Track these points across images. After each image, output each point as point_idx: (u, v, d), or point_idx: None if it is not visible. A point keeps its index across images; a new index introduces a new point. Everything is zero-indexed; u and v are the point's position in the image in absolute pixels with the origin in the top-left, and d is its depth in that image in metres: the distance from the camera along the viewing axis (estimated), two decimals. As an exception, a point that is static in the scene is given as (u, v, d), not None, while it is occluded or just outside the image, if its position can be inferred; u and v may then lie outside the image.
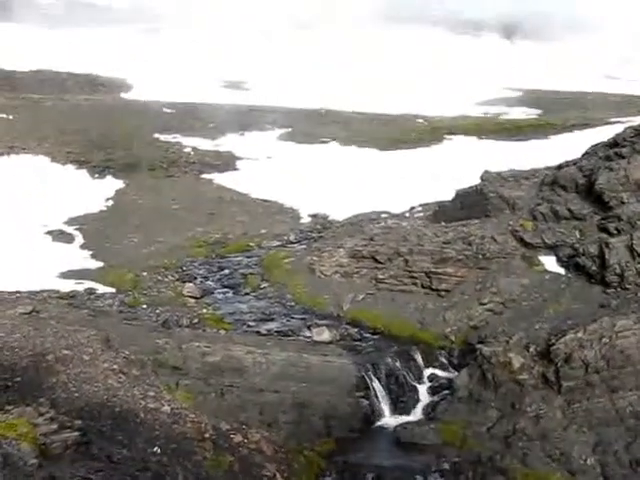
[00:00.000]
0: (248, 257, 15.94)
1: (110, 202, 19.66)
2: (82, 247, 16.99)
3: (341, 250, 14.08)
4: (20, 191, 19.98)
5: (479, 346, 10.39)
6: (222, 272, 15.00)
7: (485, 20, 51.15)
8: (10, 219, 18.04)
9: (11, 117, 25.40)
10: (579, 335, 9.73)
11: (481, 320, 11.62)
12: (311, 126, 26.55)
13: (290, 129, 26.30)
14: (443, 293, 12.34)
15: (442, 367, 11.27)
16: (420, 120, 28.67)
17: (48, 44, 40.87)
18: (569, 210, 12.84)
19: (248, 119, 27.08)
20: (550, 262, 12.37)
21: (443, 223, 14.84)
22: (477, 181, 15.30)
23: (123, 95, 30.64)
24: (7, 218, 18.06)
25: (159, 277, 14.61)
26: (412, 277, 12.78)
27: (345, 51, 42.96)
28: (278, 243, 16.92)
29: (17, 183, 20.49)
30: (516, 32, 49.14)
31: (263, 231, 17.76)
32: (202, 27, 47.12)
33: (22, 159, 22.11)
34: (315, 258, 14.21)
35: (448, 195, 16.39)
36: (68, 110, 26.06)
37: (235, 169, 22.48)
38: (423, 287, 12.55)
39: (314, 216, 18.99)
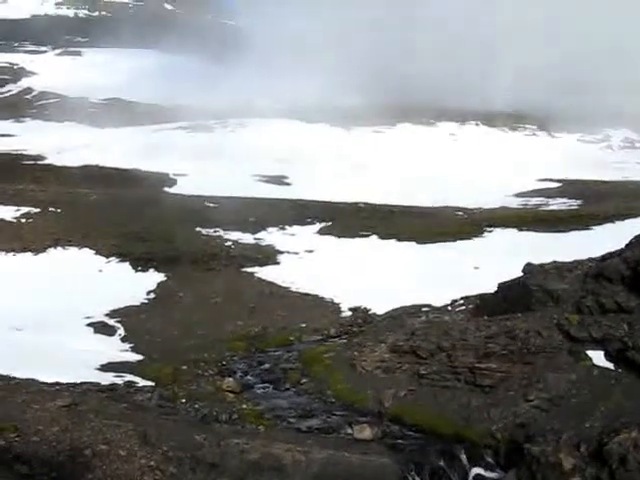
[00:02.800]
0: (288, 351, 15.80)
1: (152, 295, 19.81)
2: (123, 339, 17.06)
3: (382, 345, 13.87)
4: (64, 282, 20.34)
5: (527, 445, 9.96)
6: (262, 366, 14.86)
7: (522, 111, 51.75)
8: (53, 310, 18.29)
9: (59, 210, 26.12)
10: (633, 435, 9.28)
11: (528, 417, 11.21)
12: (351, 220, 26.73)
13: (330, 223, 26.49)
14: (487, 389, 11.99)
15: (488, 467, 10.80)
16: (459, 213, 28.70)
17: (95, 141, 42.39)
18: (616, 303, 12.51)
19: (289, 213, 27.40)
20: (598, 357, 11.95)
21: (486, 317, 14.57)
22: (519, 273, 15.10)
23: (167, 189, 31.38)
24: (50, 309, 18.32)
25: (199, 371, 14.52)
26: (455, 372, 12.47)
27: (382, 145, 43.69)
28: (318, 337, 16.78)
29: (62, 275, 20.90)
30: (553, 123, 49.54)
31: (303, 325, 17.65)
32: (241, 124, 48.46)
33: (67, 251, 22.61)
34: (356, 353, 14.01)
35: (490, 288, 16.16)
36: (113, 204, 26.73)
37: (276, 263, 22.57)
38: (467, 383, 12.22)
39: (354, 310, 18.85)
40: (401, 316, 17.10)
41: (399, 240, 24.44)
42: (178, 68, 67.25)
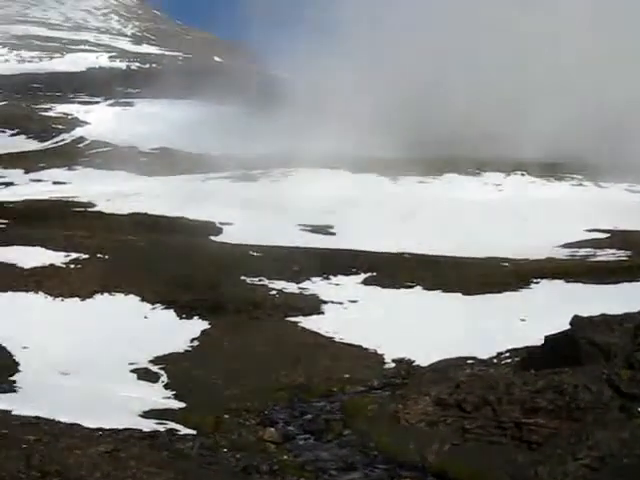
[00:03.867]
0: (331, 402, 15.65)
1: (196, 342, 19.88)
2: (166, 387, 17.09)
3: (426, 397, 13.67)
4: (110, 328, 20.58)
5: (576, 506, 9.69)
6: (304, 417, 14.73)
7: (567, 161, 51.30)
8: (98, 355, 18.48)
9: (106, 257, 26.56)
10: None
11: (577, 477, 10.87)
12: (396, 270, 26.59)
13: (375, 273, 26.40)
14: (535, 445, 11.68)
15: (535, 527, 10.51)
16: (505, 263, 28.36)
17: (144, 189, 43.18)
18: (668, 359, 12.21)
19: (333, 263, 27.39)
20: (650, 414, 11.61)
21: (532, 371, 14.32)
22: (567, 326, 14.81)
23: (212, 238, 31.71)
24: (96, 354, 18.51)
25: (241, 420, 14.47)
26: (501, 427, 12.21)
27: (428, 195, 43.65)
28: (361, 389, 16.60)
29: (108, 320, 21.16)
30: (600, 172, 48.95)
31: (346, 376, 17.50)
32: (285, 174, 48.93)
33: (114, 298, 22.92)
34: (399, 405, 13.83)
35: (537, 341, 15.86)
36: (160, 251, 27.08)
37: (320, 312, 22.51)
38: (513, 438, 11.94)
39: (398, 361, 18.63)
40: (446, 368, 16.85)
41: (444, 291, 24.23)
42: (224, 118, 68.51)
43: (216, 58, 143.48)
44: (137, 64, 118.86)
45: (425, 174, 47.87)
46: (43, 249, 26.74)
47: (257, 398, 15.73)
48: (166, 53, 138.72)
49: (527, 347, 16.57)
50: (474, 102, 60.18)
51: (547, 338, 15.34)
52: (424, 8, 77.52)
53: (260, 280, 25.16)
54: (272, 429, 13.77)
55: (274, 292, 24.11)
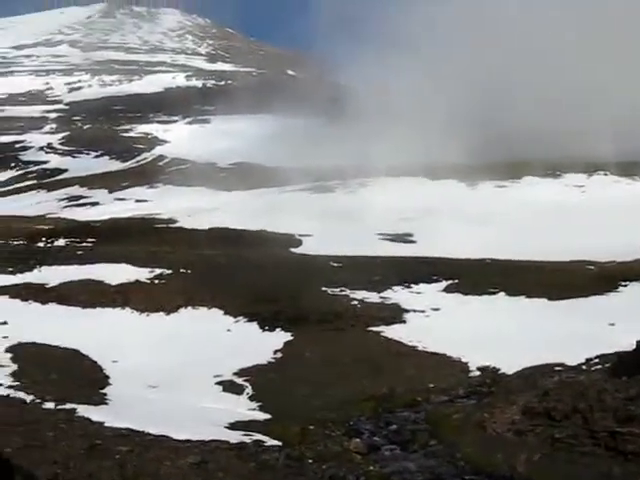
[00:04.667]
0: (416, 412, 15.46)
1: (279, 354, 20.00)
2: (251, 398, 17.26)
3: (513, 406, 13.35)
4: (194, 341, 20.94)
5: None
6: (389, 427, 14.59)
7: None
8: (184, 368, 18.82)
9: (189, 271, 27.10)
10: None
11: (677, 488, 10.42)
12: (478, 277, 26.18)
13: (456, 280, 26.04)
14: (630, 456, 11.25)
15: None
16: (591, 267, 27.54)
17: (223, 204, 43.82)
18: None
19: (414, 271, 27.17)
20: None
21: (624, 377, 13.82)
22: (660, 331, 14.27)
23: (292, 249, 31.91)
24: (181, 367, 18.85)
25: (326, 431, 14.45)
26: (593, 437, 11.79)
27: (507, 199, 42.84)
28: (446, 398, 16.35)
29: (192, 334, 21.52)
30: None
31: (431, 385, 17.28)
32: (362, 184, 48.80)
33: (198, 311, 23.33)
34: (486, 414, 13.55)
35: (628, 346, 15.30)
36: (241, 265, 27.44)
37: (402, 321, 22.33)
38: (607, 449, 11.50)
39: (483, 369, 18.27)
40: (533, 376, 16.43)
41: (528, 297, 23.69)
42: (298, 131, 68.98)
43: (289, 71, 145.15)
44: (212, 82, 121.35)
45: (503, 178, 46.96)
46: (128, 265, 27.51)
47: (341, 408, 15.68)
48: (240, 69, 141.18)
49: (617, 352, 15.99)
50: (544, 102, 58.87)
51: (639, 343, 14.80)
52: (490, 10, 76.54)
53: (341, 290, 25.17)
54: (358, 440, 13.69)
55: (355, 302, 24.08)
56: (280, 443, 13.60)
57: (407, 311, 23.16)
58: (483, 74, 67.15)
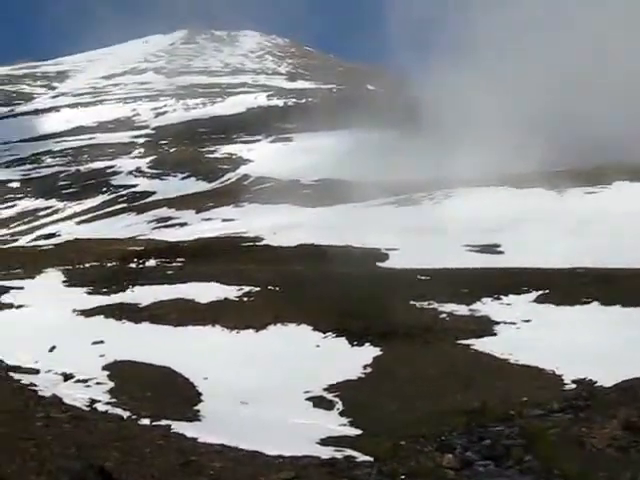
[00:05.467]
0: (509, 427, 15.03)
1: (368, 369, 19.93)
2: (341, 414, 17.23)
3: (613, 420, 12.83)
4: (284, 358, 21.11)
5: None
6: (482, 442, 14.21)
7: None
8: (274, 384, 18.97)
9: (277, 288, 27.36)
10: None
11: None
12: (569, 286, 25.44)
13: (547, 290, 25.37)
14: None
15: None
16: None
17: (308, 220, 44.13)
18: None
19: (503, 282, 26.63)
20: None
21: None
22: None
23: (379, 264, 31.80)
24: (272, 383, 19.01)
25: (417, 446, 14.25)
26: (701, 452, 11.24)
27: (597, 206, 41.53)
28: (540, 412, 15.84)
29: (282, 350, 21.72)
30: None
31: (524, 399, 16.82)
32: (447, 195, 48.28)
33: (286, 328, 23.49)
34: (584, 429, 13.05)
35: None
36: (328, 280, 27.52)
37: (492, 334, 21.90)
38: None
39: (579, 382, 17.67)
40: (632, 388, 15.79)
41: (624, 306, 22.84)
42: (380, 144, 69.06)
43: (368, 86, 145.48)
44: (293, 100, 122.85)
45: (591, 184, 45.56)
46: (217, 284, 28.00)
47: (432, 423, 15.45)
48: (320, 86, 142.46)
49: None
50: (622, 105, 57.00)
51: None
52: (564, 12, 75.09)
53: (429, 304, 24.90)
54: (450, 455, 13.41)
55: (444, 315, 23.78)
56: (372, 459, 13.52)
57: (497, 323, 22.72)
58: (559, 79, 65.78)
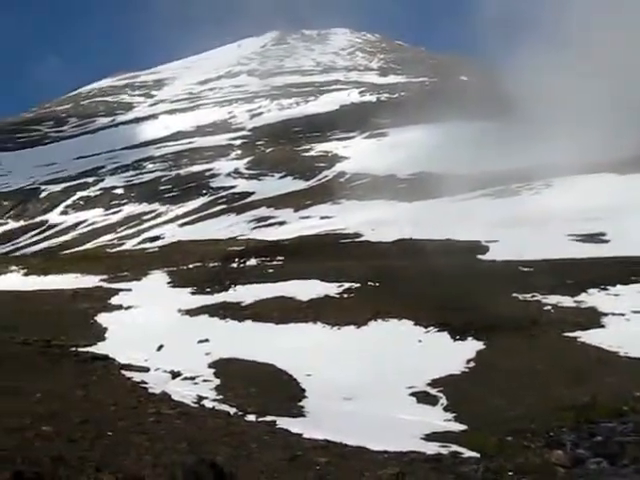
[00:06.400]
0: (622, 423, 14.50)
1: (472, 363, 19.64)
2: (445, 409, 17.07)
3: None
4: (386, 353, 21.07)
5: None
6: (594, 439, 13.79)
7: None
8: (377, 380, 18.97)
9: (377, 284, 27.35)
10: None
11: None
12: (684, 275, 24.35)
13: (658, 279, 24.36)
14: None
15: None
16: None
17: (405, 215, 43.89)
18: None
19: (610, 272, 25.69)
20: None
21: None
22: None
23: (479, 257, 31.28)
24: (374, 379, 19.02)
25: (525, 442, 13.96)
26: None
27: None
28: (656, 407, 15.29)
29: (384, 346, 21.69)
30: None
31: (637, 394, 16.20)
32: (547, 184, 46.99)
33: (388, 323, 23.44)
34: None
35: None
36: (428, 274, 27.29)
37: (600, 326, 21.15)
38: None
39: (695, 375, 16.92)
40: None
41: None
42: (475, 136, 67.87)
43: (462, 77, 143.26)
44: (386, 95, 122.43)
45: None
46: (318, 281, 28.24)
47: (540, 418, 15.10)
48: (413, 80, 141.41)
49: None
50: None
51: None
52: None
53: (533, 296, 24.31)
54: (560, 452, 13.05)
55: (549, 307, 23.17)
56: (478, 455, 13.34)
57: (605, 315, 21.93)
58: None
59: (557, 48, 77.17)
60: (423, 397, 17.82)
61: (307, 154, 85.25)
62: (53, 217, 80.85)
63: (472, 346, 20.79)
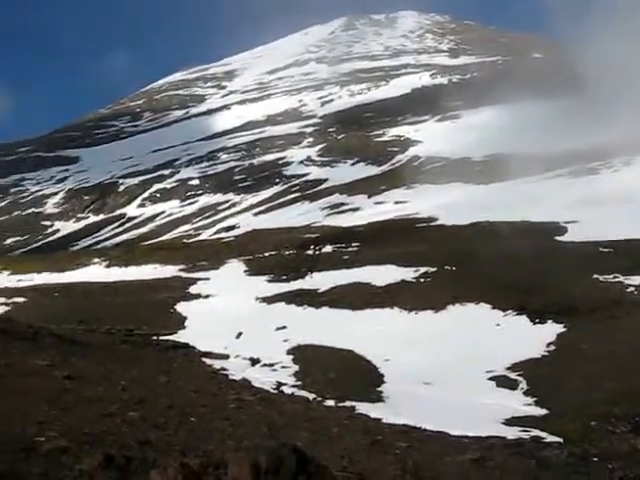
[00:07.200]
0: None
1: (552, 347, 19.30)
2: (526, 393, 16.84)
3: None
4: (464, 338, 20.91)
5: None
6: (681, 424, 13.43)
7: None
8: (455, 364, 18.86)
9: (453, 268, 27.11)
10: None
11: None
12: None
13: None
14: None
15: None
16: None
17: (481, 198, 43.27)
18: None
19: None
20: None
21: None
22: None
23: (557, 238, 30.58)
24: (453, 363, 18.91)
25: (609, 427, 13.65)
26: None
27: None
28: None
29: (461, 330, 21.53)
30: None
31: None
32: (627, 162, 45.47)
33: (465, 307, 23.24)
34: None
35: None
36: (505, 257, 26.84)
37: (687, 306, 20.49)
38: None
39: None
40: None
41: None
42: (549, 115, 66.07)
43: (535, 55, 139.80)
44: (458, 76, 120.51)
45: None
46: (393, 266, 28.19)
47: (624, 403, 14.70)
48: (484, 60, 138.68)
49: None
50: None
51: None
52: None
53: (614, 277, 23.66)
54: (645, 437, 12.73)
55: (632, 288, 22.49)
56: (560, 440, 13.12)
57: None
58: None
59: (630, 18, 74.46)
60: (502, 381, 17.62)
61: (379, 139, 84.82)
62: (131, 210, 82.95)
63: (552, 329, 20.42)
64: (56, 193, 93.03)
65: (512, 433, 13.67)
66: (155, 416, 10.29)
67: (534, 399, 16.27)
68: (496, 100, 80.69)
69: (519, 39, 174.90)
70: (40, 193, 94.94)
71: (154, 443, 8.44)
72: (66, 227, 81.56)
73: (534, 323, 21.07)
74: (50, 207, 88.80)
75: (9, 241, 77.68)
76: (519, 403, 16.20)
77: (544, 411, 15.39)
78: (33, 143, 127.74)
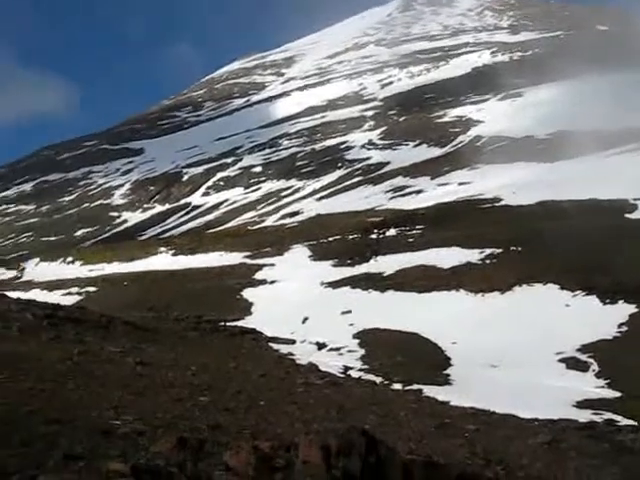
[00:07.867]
0: None
1: (624, 327, 18.87)
2: (597, 375, 16.54)
3: None
4: (532, 319, 20.60)
5: None
6: None
7: None
8: (523, 346, 18.63)
9: (519, 248, 26.69)
10: None
11: None
12: None
13: None
14: None
15: None
16: None
17: (546, 176, 42.39)
18: None
19: None
20: None
21: None
22: None
23: (627, 216, 29.73)
24: (520, 345, 18.68)
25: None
26: None
27: None
28: None
29: (529, 311, 21.21)
30: None
31: None
32: None
33: (533, 288, 22.84)
34: None
35: None
36: (573, 236, 26.17)
37: None
38: None
39: None
40: None
41: None
42: (614, 89, 64.09)
43: (600, 27, 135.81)
44: (519, 53, 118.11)
45: None
46: (458, 248, 27.90)
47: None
48: (546, 35, 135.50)
49: None
50: None
51: None
52: None
53: (690, 254, 22.94)
54: None
55: None
56: (635, 423, 12.86)
57: None
58: None
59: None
60: (573, 363, 17.32)
61: (441, 120, 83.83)
62: (196, 199, 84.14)
63: (623, 310, 19.92)
64: (123, 184, 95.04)
65: (584, 416, 13.47)
66: (225, 400, 10.49)
67: (606, 381, 15.96)
68: (558, 76, 78.76)
69: (582, 11, 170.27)
70: (107, 185, 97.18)
71: (224, 427, 8.61)
72: (133, 217, 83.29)
73: (604, 304, 20.59)
74: (117, 198, 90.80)
75: (80, 232, 79.77)
76: (590, 385, 15.92)
77: (617, 394, 15.10)
78: (99, 137, 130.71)
